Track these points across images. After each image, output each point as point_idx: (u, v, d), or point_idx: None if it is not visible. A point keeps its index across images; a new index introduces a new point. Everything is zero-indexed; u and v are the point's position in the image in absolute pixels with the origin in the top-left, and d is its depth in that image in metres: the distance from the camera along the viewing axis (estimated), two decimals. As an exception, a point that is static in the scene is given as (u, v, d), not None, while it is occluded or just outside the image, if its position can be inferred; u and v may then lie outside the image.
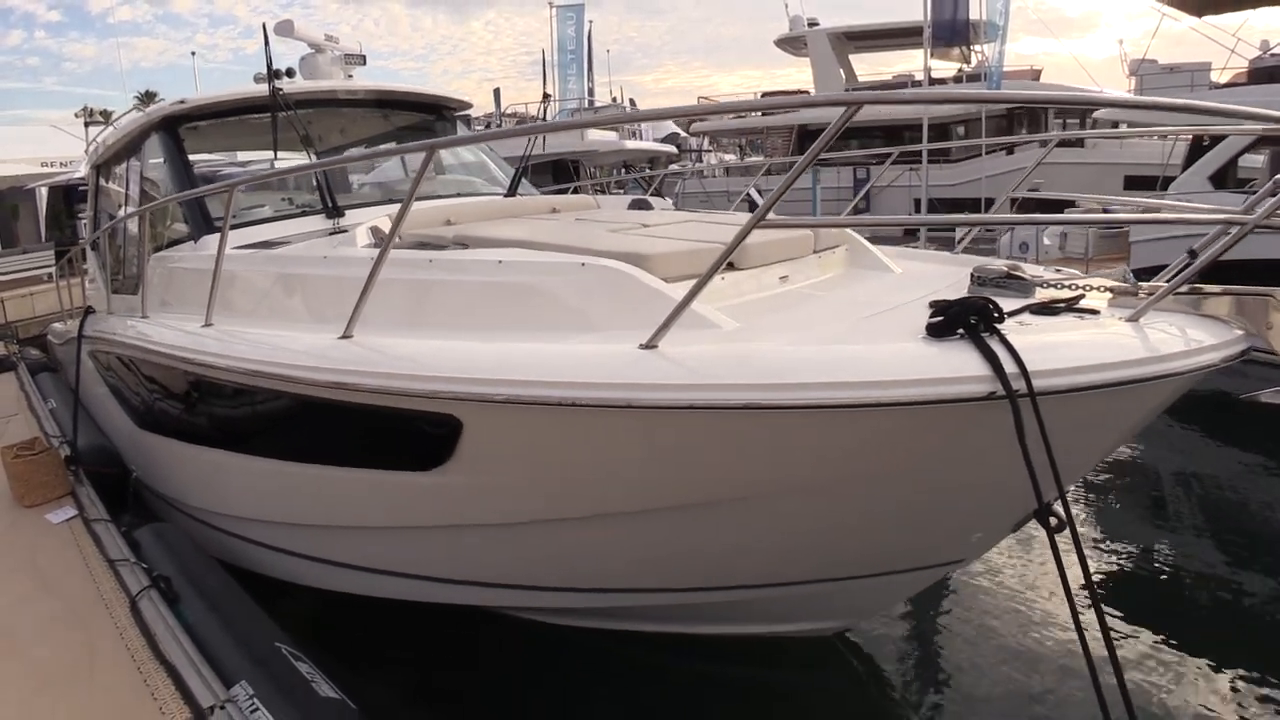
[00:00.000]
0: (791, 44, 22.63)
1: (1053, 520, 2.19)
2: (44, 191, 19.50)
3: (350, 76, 5.89)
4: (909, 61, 27.80)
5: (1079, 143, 18.81)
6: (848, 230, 4.02)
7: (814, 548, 2.88)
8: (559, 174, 13.07)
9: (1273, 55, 12.80)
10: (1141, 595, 4.76)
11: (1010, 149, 18.94)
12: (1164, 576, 4.97)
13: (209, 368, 3.39)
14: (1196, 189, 9.91)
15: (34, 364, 8.98)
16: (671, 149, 25.94)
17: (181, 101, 5.31)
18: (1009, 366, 2.03)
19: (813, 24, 21.69)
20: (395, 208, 4.83)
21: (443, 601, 3.56)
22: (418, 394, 2.54)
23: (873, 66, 23.08)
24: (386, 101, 6.09)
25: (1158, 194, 10.18)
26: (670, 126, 34.15)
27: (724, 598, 3.21)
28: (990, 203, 11.45)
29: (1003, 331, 2.13)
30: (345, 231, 4.45)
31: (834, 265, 3.76)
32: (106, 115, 37.02)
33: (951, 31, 15.63)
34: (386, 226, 3.96)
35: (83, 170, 10.28)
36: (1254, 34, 13.39)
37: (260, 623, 3.32)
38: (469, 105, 6.79)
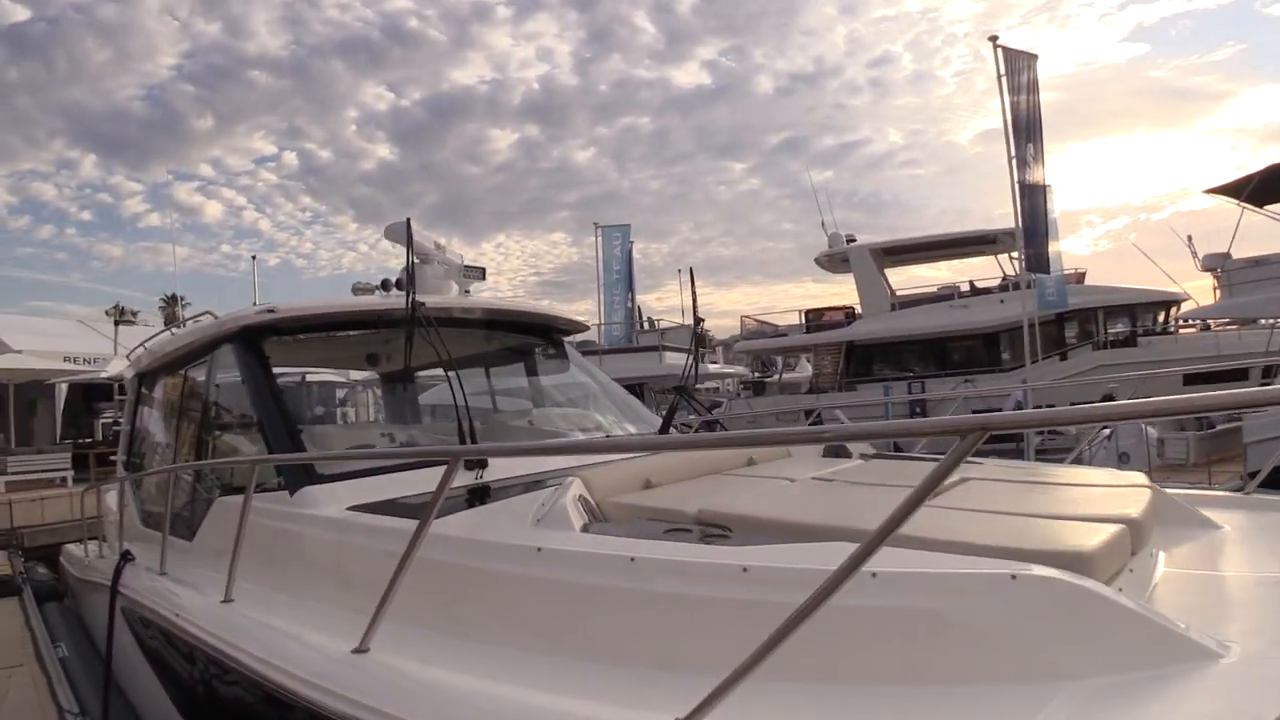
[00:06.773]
0: (832, 260, 22.92)
1: None
2: (63, 388, 18.86)
3: (468, 291, 5.14)
4: (930, 269, 29.26)
5: (1131, 343, 18.49)
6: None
7: None
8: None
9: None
10: None
11: (1064, 355, 18.65)
12: None
13: None
14: None
15: (40, 586, 7.89)
16: (744, 370, 26.90)
17: (270, 310, 4.34)
18: None
19: (851, 240, 22.05)
20: (555, 465, 3.76)
21: None
22: None
23: (902, 278, 23.44)
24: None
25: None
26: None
27: None
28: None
29: None
30: (486, 487, 3.44)
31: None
32: (135, 314, 37.36)
33: (1033, 236, 15.05)
34: (582, 490, 2.96)
35: (111, 369, 9.50)
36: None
37: None
38: (584, 327, 6.06)
